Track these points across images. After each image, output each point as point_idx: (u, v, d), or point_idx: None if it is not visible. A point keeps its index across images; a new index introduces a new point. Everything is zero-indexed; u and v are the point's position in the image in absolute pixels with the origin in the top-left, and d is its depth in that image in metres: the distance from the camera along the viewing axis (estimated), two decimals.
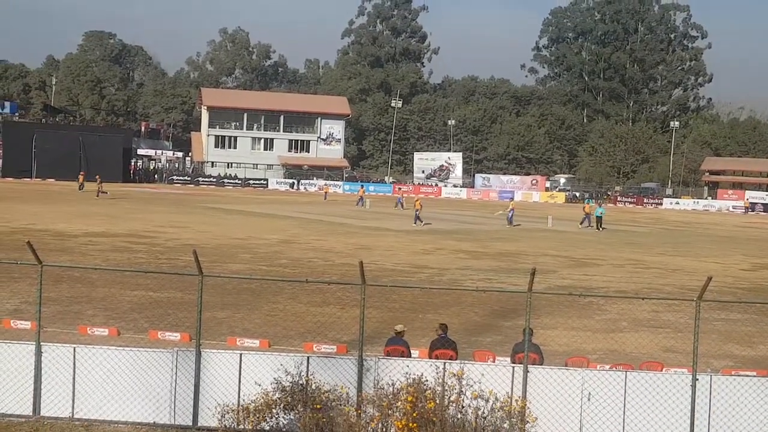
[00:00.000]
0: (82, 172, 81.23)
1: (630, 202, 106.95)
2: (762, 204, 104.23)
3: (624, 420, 12.85)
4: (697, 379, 12.86)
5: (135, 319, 20.14)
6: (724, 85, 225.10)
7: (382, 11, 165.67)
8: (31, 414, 13.10)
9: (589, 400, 12.87)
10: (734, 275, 34.46)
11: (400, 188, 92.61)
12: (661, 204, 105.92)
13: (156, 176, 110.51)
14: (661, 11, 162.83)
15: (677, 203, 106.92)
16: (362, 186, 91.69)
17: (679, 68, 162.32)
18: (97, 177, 71.99)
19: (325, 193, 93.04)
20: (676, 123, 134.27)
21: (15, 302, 21.37)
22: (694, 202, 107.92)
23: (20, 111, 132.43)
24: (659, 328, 21.73)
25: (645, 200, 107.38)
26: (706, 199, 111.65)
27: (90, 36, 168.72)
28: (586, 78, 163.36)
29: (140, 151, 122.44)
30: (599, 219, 57.32)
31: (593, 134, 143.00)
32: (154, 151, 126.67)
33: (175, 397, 12.99)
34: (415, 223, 53.98)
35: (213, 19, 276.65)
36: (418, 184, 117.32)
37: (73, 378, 13.09)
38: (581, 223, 58.03)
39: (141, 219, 49.05)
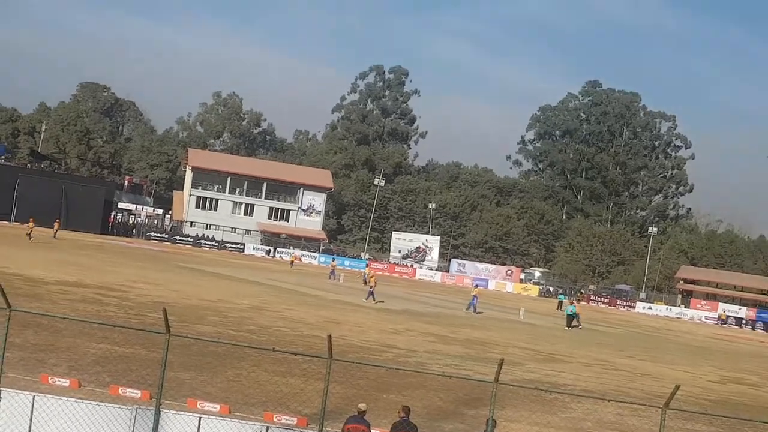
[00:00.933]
0: (57, 220, 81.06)
1: (603, 302, 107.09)
2: (734, 317, 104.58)
3: None
4: None
5: (98, 372, 19.93)
6: (704, 196, 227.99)
7: (373, 91, 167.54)
8: None
9: None
10: (702, 386, 34.45)
11: (333, 259, 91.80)
12: (634, 307, 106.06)
13: (134, 231, 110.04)
14: (647, 118, 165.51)
15: (650, 308, 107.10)
16: (334, 259, 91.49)
17: (661, 175, 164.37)
18: (31, 219, 72.59)
19: (292, 261, 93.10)
20: (654, 229, 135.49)
21: None
22: (667, 308, 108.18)
23: (7, 154, 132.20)
24: None
25: (618, 302, 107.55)
26: (679, 306, 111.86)
27: (84, 87, 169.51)
28: (569, 176, 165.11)
29: (121, 205, 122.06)
30: (569, 317, 57.00)
31: (571, 231, 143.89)
32: (134, 205, 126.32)
33: None
34: (366, 299, 53.23)
35: (207, 82, 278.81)
36: (394, 263, 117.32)
37: (30, 427, 12.93)
38: (567, 326, 56.56)
39: (115, 272, 48.79)
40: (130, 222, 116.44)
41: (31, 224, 70.66)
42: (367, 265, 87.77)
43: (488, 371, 26.09)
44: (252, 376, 21.84)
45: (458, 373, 26.64)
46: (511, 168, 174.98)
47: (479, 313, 56.45)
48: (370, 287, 54.66)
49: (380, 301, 53.63)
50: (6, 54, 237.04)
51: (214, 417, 14.41)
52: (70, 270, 45.97)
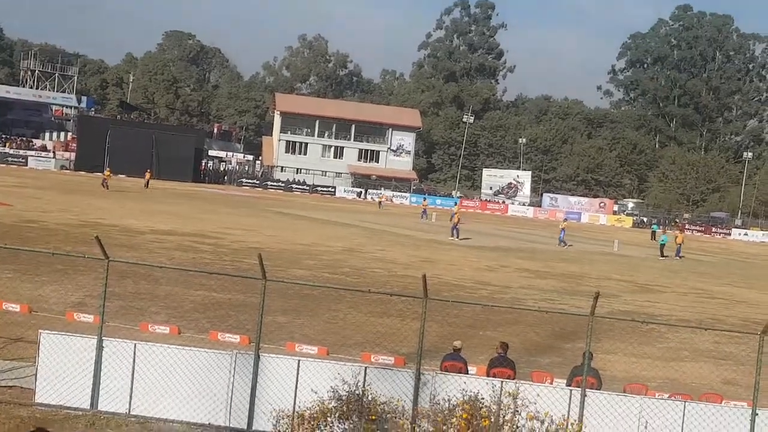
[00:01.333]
0: (149, 170, 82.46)
1: (698, 231, 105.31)
2: None
3: None
4: (757, 414, 12.65)
5: (197, 319, 20.36)
6: None
7: (459, 26, 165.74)
8: (88, 408, 13.28)
9: (646, 428, 12.72)
10: None
11: (425, 199, 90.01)
12: (730, 234, 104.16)
13: (225, 178, 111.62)
14: (740, 40, 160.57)
15: (746, 234, 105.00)
16: (425, 199, 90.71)
17: (756, 99, 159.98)
18: (107, 169, 75.91)
19: (380, 202, 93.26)
20: (750, 154, 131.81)
21: (79, 295, 21.72)
22: (764, 234, 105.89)
23: (96, 106, 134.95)
24: (720, 360, 21.42)
25: (713, 230, 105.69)
26: None
27: (170, 36, 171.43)
28: (660, 104, 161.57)
29: (211, 152, 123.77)
30: (662, 246, 56.19)
31: (664, 160, 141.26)
32: (225, 152, 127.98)
33: (231, 399, 13.09)
34: (451, 236, 52.86)
35: (292, 26, 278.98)
36: (486, 200, 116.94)
37: (132, 374, 13.25)
38: (677, 255, 55.60)
39: (208, 220, 49.60)
40: (221, 169, 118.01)
41: (107, 173, 72.27)
42: (456, 204, 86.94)
43: (583, 304, 25.93)
44: (348, 317, 22.07)
45: (553, 308, 26.57)
46: (601, 98, 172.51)
47: (569, 245, 56.01)
48: (454, 224, 54.25)
49: (465, 238, 53.39)
50: (92, 6, 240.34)
51: (312, 359, 14.59)
52: (163, 219, 46.86)
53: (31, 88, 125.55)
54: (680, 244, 56.28)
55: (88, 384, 13.28)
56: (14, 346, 16.23)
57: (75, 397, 13.25)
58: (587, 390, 12.93)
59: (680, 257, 55.17)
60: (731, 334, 23.19)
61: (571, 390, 13.07)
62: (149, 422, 13.10)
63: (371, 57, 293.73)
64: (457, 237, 52.81)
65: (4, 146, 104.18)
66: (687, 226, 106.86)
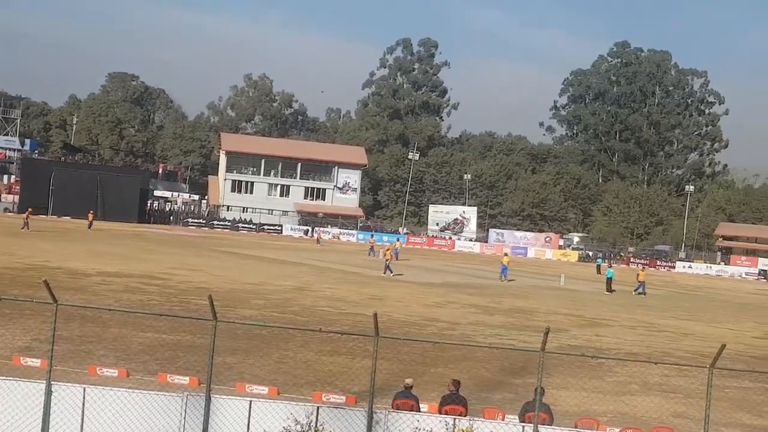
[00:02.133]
0: (91, 211, 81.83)
1: (643, 264, 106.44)
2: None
3: None
4: None
5: (145, 361, 20.12)
6: (739, 151, 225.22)
7: (403, 64, 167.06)
8: None
9: None
10: (746, 342, 34.25)
11: (372, 236, 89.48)
12: (674, 267, 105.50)
13: (171, 218, 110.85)
14: (678, 75, 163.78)
15: (690, 267, 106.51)
16: (372, 236, 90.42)
17: (696, 133, 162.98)
18: (28, 209, 74.73)
19: (318, 238, 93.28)
20: (691, 187, 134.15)
21: (26, 339, 21.38)
22: (707, 266, 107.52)
23: (40, 148, 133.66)
24: (670, 393, 21.61)
25: (658, 263, 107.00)
26: (719, 264, 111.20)
27: (113, 77, 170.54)
28: (603, 139, 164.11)
29: (157, 193, 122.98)
30: (609, 281, 56.60)
31: (608, 194, 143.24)
32: (170, 193, 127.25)
33: None
34: (384, 272, 52.57)
35: (235, 66, 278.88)
36: (432, 236, 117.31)
37: (82, 419, 13.06)
38: (635, 291, 55.58)
39: (155, 260, 49.17)
40: (167, 209, 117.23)
41: (28, 212, 72.11)
42: (398, 240, 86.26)
43: (533, 340, 26.08)
44: (299, 357, 21.98)
45: (503, 344, 26.68)
46: (544, 135, 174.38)
47: (511, 280, 56.52)
48: (386, 260, 54.02)
49: (398, 275, 53.15)
50: (34, 49, 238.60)
51: (264, 400, 14.50)
52: (110, 260, 46.37)
53: None
54: (643, 281, 56.08)
55: (37, 429, 13.05)
56: None
57: None
58: (539, 426, 12.99)
59: (643, 293, 54.93)
60: (680, 367, 23.44)
61: (523, 426, 13.12)
62: None
63: (315, 97, 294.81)
64: (390, 273, 52.60)
65: None
66: (632, 260, 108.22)
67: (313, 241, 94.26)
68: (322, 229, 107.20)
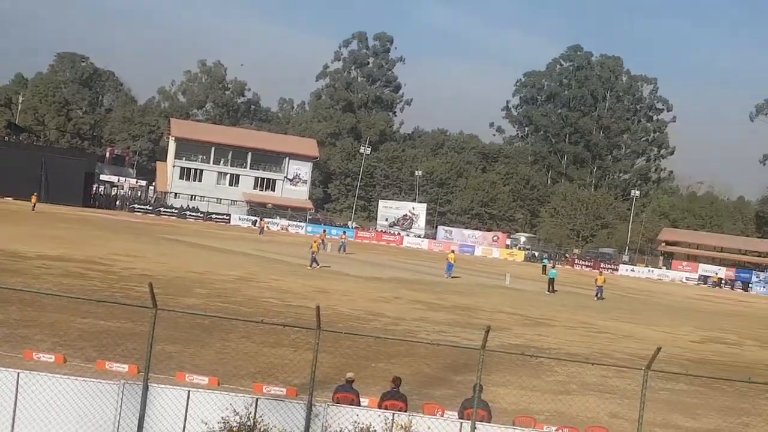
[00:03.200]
0: (35, 193, 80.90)
1: (587, 266, 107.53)
2: (714, 278, 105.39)
3: None
4: None
5: (83, 348, 19.87)
6: (685, 158, 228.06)
7: (358, 57, 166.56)
8: None
9: None
10: (683, 346, 34.76)
11: (324, 231, 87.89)
12: (617, 270, 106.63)
13: (117, 203, 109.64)
14: (629, 81, 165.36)
15: (633, 270, 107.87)
16: (324, 231, 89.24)
17: (644, 139, 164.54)
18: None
19: (262, 228, 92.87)
20: (637, 192, 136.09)
21: None
22: (649, 270, 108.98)
23: None
24: (606, 393, 21.85)
25: (602, 265, 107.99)
26: (660, 268, 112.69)
27: (62, 57, 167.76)
28: (553, 140, 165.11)
29: (103, 177, 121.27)
30: (551, 281, 57.07)
31: (556, 196, 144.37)
32: (117, 177, 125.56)
33: (118, 430, 12.80)
34: (311, 265, 51.72)
35: (187, 53, 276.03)
36: (381, 231, 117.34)
37: (15, 404, 12.84)
38: (595, 296, 55.72)
39: (98, 245, 48.60)
40: (113, 194, 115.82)
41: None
42: (343, 233, 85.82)
43: (475, 337, 26.16)
44: (240, 347, 21.86)
45: (445, 340, 26.77)
46: (494, 135, 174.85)
47: (456, 277, 57.02)
48: (313, 253, 52.65)
49: (325, 266, 52.63)
50: None
51: (203, 390, 14.38)
52: (51, 244, 45.77)
53: None
54: (601, 286, 56.04)
55: None
56: None
57: None
58: (477, 422, 13.03)
59: (601, 298, 55.02)
60: (618, 368, 23.69)
61: (461, 422, 13.16)
62: None
63: (268, 87, 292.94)
64: (317, 265, 51.83)
65: None
66: (576, 261, 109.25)
67: (267, 232, 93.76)
68: (268, 219, 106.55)
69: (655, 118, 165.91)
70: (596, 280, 57.78)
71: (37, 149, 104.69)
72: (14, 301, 23.11)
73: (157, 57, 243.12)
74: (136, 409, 12.80)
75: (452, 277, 56.65)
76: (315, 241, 56.09)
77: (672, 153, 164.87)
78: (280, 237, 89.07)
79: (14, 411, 12.81)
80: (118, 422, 12.78)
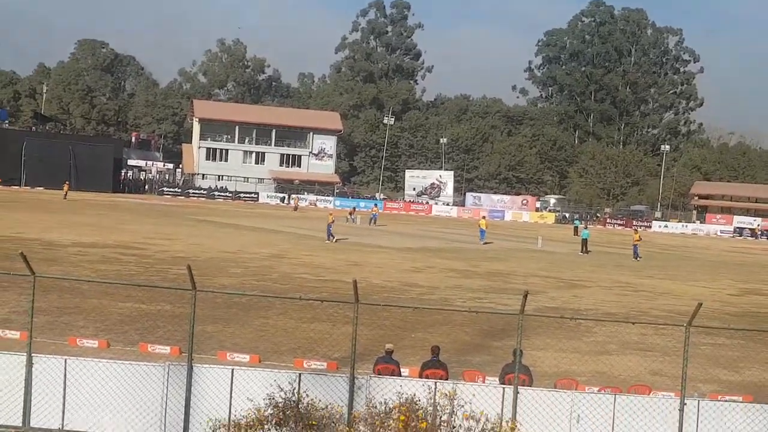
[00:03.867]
0: (66, 182, 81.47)
1: (619, 225, 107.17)
2: (749, 229, 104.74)
3: None
4: (685, 404, 12.93)
5: (125, 331, 20.10)
6: (715, 110, 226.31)
7: (376, 27, 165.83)
8: (20, 425, 13.05)
9: (578, 422, 12.92)
10: (722, 300, 34.58)
11: (354, 208, 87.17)
12: (650, 227, 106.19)
13: (146, 187, 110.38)
14: (655, 34, 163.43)
15: (666, 226, 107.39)
16: (354, 208, 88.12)
17: (671, 92, 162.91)
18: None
19: (296, 206, 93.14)
20: (667, 147, 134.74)
21: (5, 312, 21.31)
22: (683, 225, 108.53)
23: (10, 118, 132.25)
24: (647, 352, 21.81)
25: (634, 223, 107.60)
26: (694, 222, 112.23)
27: (82, 45, 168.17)
28: (578, 99, 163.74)
29: (130, 162, 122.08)
30: (584, 241, 56.73)
31: (584, 156, 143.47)
32: (144, 161, 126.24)
33: (165, 411, 12.97)
34: (327, 239, 51.17)
35: (206, 34, 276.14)
36: (409, 201, 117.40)
37: (64, 390, 13.05)
38: (634, 256, 54.07)
39: (131, 230, 48.99)
40: (141, 178, 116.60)
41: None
42: (375, 205, 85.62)
43: (511, 302, 26.24)
44: (279, 324, 22.00)
45: (482, 307, 26.82)
46: (518, 97, 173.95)
47: (490, 243, 57.19)
48: (329, 224, 52.17)
49: (343, 238, 52.68)
50: (1, 16, 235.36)
51: (246, 368, 14.51)
52: (86, 231, 46.19)
53: None
54: (636, 244, 54.77)
55: (19, 401, 13.05)
56: None
57: (6, 415, 13.03)
58: (519, 387, 13.09)
59: (638, 258, 53.70)
60: (657, 326, 23.65)
61: (503, 388, 13.22)
62: None
63: (288, 62, 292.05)
64: (333, 239, 51.51)
65: None
66: (608, 221, 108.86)
67: (290, 209, 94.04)
68: (299, 195, 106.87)
69: (682, 70, 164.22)
70: (633, 239, 56.88)
71: (64, 138, 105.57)
72: (55, 288, 23.35)
73: (176, 40, 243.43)
74: (182, 390, 12.96)
75: (485, 243, 56.67)
76: (330, 214, 56.39)
77: (701, 105, 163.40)
78: (309, 212, 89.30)
79: (64, 397, 13.03)
80: (165, 403, 12.96)
